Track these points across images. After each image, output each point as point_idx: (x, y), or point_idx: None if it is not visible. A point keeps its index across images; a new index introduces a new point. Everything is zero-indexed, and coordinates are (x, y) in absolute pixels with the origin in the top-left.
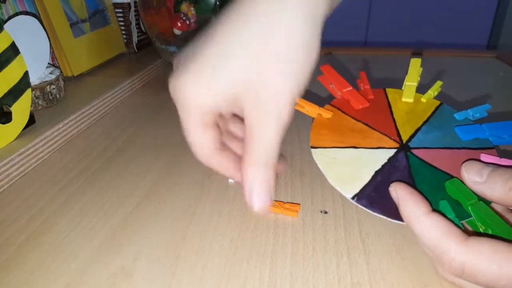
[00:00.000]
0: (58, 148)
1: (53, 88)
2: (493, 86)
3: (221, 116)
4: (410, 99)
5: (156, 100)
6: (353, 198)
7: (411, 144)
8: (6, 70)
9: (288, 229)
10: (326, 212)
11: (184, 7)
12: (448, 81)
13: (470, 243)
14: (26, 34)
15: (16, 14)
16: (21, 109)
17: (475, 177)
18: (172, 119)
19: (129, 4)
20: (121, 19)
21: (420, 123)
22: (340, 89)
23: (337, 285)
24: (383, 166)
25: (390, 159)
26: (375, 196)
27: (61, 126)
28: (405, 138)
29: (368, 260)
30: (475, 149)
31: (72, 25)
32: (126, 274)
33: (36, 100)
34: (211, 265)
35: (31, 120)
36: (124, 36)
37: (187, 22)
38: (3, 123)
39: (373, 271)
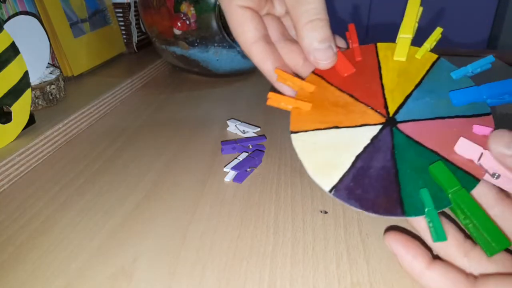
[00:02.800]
0: (58, 148)
1: (53, 88)
2: None
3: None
4: (403, 57)
5: (156, 100)
6: (330, 191)
7: (398, 117)
8: (6, 70)
9: (288, 229)
10: (326, 212)
11: (184, 7)
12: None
13: None
14: (26, 34)
15: (16, 14)
16: (21, 109)
17: (504, 149)
18: (172, 119)
19: (129, 4)
20: (121, 19)
21: (412, 87)
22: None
23: (337, 285)
24: (365, 148)
25: (373, 139)
26: (353, 186)
27: (61, 126)
28: (392, 109)
29: (368, 260)
30: (469, 116)
31: (72, 25)
32: (126, 274)
33: (36, 100)
34: (211, 265)
35: (31, 120)
36: (124, 36)
37: (187, 22)
38: (3, 123)
39: (373, 271)
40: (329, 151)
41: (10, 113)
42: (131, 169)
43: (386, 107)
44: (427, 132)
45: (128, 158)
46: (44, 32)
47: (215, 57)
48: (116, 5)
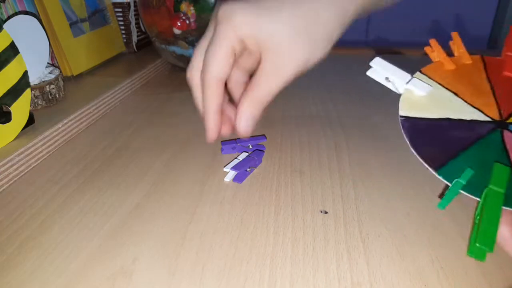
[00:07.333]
0: (57, 148)
1: (53, 88)
2: None
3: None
4: None
5: (156, 99)
6: (402, 117)
7: (511, 127)
8: (6, 69)
9: (288, 229)
10: (326, 212)
11: (183, 6)
12: None
13: None
14: (26, 33)
15: (16, 14)
16: (20, 109)
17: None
18: (172, 119)
19: (128, 3)
20: (121, 18)
21: None
22: (508, 50)
23: (337, 285)
24: (460, 120)
25: (473, 121)
26: (421, 130)
27: (60, 126)
28: None
29: (368, 260)
30: None
31: (72, 24)
32: (126, 274)
33: (36, 100)
34: (211, 265)
35: (31, 120)
36: (124, 36)
37: (187, 22)
38: (3, 123)
39: (373, 271)
40: (432, 100)
41: (9, 113)
42: (130, 169)
43: (511, 115)
44: None
45: (127, 158)
46: (44, 32)
47: None
48: (115, 5)
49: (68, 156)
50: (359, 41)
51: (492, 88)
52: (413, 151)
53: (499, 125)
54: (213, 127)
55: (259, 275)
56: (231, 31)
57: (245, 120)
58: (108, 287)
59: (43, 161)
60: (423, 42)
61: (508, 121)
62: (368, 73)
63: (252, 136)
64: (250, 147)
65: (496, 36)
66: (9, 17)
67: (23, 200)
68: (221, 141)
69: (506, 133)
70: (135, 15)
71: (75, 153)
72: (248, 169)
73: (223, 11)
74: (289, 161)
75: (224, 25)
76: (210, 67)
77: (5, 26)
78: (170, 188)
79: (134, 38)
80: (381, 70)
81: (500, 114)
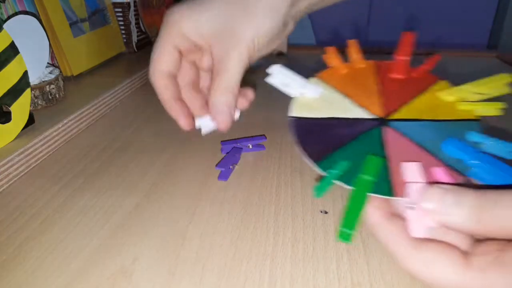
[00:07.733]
0: (57, 148)
1: (53, 88)
2: None
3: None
4: (451, 98)
5: (156, 99)
6: (291, 117)
7: (391, 123)
8: (6, 69)
9: (288, 229)
10: (326, 212)
11: None
12: (448, 81)
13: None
14: (26, 33)
15: (16, 14)
16: (20, 109)
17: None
18: (172, 119)
19: (128, 3)
20: (121, 18)
21: (430, 118)
22: (398, 54)
23: (337, 285)
24: (345, 118)
25: (357, 119)
26: (308, 129)
27: (60, 126)
28: (395, 116)
29: (368, 260)
30: (447, 166)
31: (72, 24)
32: (126, 274)
33: (36, 100)
34: (211, 265)
35: (31, 120)
36: (124, 36)
37: None
38: (3, 122)
39: (373, 271)
40: (323, 101)
41: (9, 113)
42: (130, 169)
43: (394, 112)
44: (401, 148)
45: (127, 158)
46: (44, 32)
47: None
48: (115, 5)
49: (68, 156)
50: (359, 41)
51: (380, 89)
52: (297, 147)
53: (381, 122)
54: (176, 115)
55: (259, 275)
56: (171, 29)
57: (220, 112)
58: (108, 287)
59: (43, 161)
60: (423, 42)
61: (388, 117)
62: (268, 79)
63: (252, 136)
64: (250, 147)
65: (496, 36)
66: (9, 17)
67: (23, 200)
68: (221, 141)
69: (385, 129)
70: (135, 15)
71: (75, 153)
72: (231, 166)
73: (165, 16)
74: (289, 161)
75: (165, 26)
76: (153, 63)
77: (5, 26)
78: (170, 188)
79: (134, 38)
80: (279, 77)
81: (383, 112)
